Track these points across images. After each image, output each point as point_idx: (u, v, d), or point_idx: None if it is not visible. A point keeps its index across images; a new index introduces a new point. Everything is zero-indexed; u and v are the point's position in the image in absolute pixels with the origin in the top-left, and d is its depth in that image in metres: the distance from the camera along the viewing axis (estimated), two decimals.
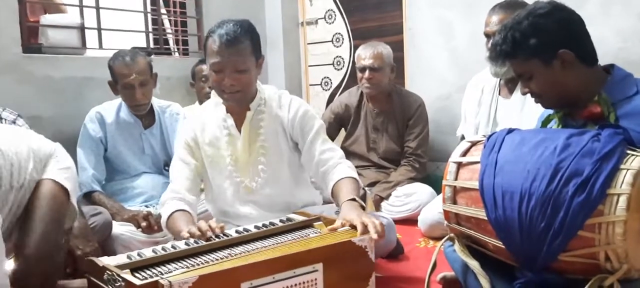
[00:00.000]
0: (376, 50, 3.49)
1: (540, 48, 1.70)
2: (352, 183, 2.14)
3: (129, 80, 2.96)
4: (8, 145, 1.97)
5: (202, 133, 2.32)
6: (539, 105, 1.87)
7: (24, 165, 1.98)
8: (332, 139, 3.73)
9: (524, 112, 2.62)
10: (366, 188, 3.32)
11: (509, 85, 2.74)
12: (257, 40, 2.21)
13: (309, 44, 4.76)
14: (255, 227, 1.97)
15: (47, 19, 3.46)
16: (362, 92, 3.62)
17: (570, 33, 1.72)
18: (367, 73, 3.46)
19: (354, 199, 2.01)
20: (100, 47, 3.62)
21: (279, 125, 2.30)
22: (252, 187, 2.28)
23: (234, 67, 2.13)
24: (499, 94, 2.80)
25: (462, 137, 2.99)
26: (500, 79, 2.77)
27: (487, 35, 2.73)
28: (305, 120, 2.29)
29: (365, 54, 3.50)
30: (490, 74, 2.74)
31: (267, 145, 2.27)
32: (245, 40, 2.14)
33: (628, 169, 1.44)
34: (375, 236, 1.77)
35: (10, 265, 1.86)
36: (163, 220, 2.17)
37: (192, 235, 1.86)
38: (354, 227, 1.82)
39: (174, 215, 2.14)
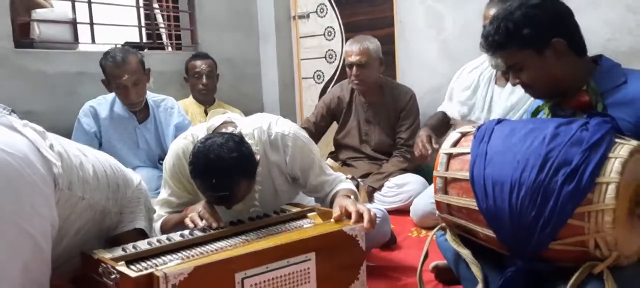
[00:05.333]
0: (362, 46, 3.42)
1: (534, 38, 1.71)
2: (349, 189, 2.18)
3: (122, 81, 2.96)
4: (115, 164, 1.98)
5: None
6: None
7: (122, 191, 1.97)
8: (324, 130, 3.76)
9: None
10: (359, 180, 3.34)
11: (507, 75, 2.77)
12: (249, 172, 1.90)
13: (301, 37, 4.76)
14: (250, 218, 1.99)
15: (38, 13, 3.45)
16: None
17: (562, 23, 1.73)
18: (354, 69, 3.42)
19: (348, 196, 2.05)
20: (93, 41, 3.61)
21: (275, 168, 2.17)
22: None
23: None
24: (495, 83, 2.84)
25: (444, 115, 3.07)
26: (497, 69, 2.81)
27: None
28: (304, 161, 2.18)
29: (352, 50, 3.43)
30: (491, 66, 2.79)
31: (262, 194, 2.14)
32: (241, 182, 1.86)
33: (616, 157, 1.45)
34: (367, 225, 1.80)
35: None
36: (157, 229, 2.14)
37: (194, 223, 1.86)
38: (348, 215, 1.86)
39: (165, 218, 2.15)
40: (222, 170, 1.80)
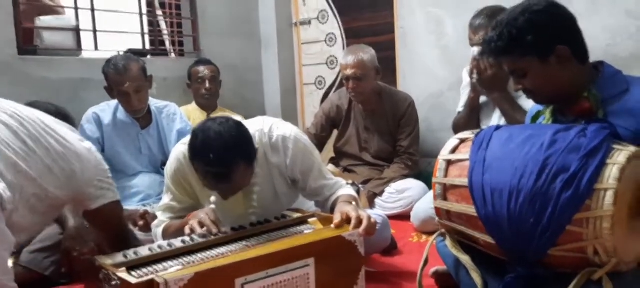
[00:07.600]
0: (357, 58, 3.38)
1: (537, 45, 1.69)
2: (350, 195, 2.19)
3: (124, 88, 2.98)
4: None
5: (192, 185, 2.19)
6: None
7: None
8: (326, 140, 3.76)
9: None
10: (359, 185, 3.34)
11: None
12: (248, 154, 1.93)
13: (302, 43, 4.78)
14: (251, 224, 2.00)
15: (42, 21, 3.47)
16: None
17: (566, 29, 1.72)
18: (351, 83, 3.41)
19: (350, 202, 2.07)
20: (96, 48, 3.63)
21: (276, 170, 2.17)
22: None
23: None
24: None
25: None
26: None
27: None
28: (305, 164, 2.18)
29: (347, 63, 3.40)
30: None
31: (262, 195, 2.16)
32: (240, 163, 1.88)
33: (614, 164, 1.46)
34: (362, 232, 1.81)
35: None
36: (159, 234, 2.15)
37: (193, 231, 1.87)
38: (350, 221, 1.86)
39: (167, 224, 2.16)
40: (221, 145, 1.82)
